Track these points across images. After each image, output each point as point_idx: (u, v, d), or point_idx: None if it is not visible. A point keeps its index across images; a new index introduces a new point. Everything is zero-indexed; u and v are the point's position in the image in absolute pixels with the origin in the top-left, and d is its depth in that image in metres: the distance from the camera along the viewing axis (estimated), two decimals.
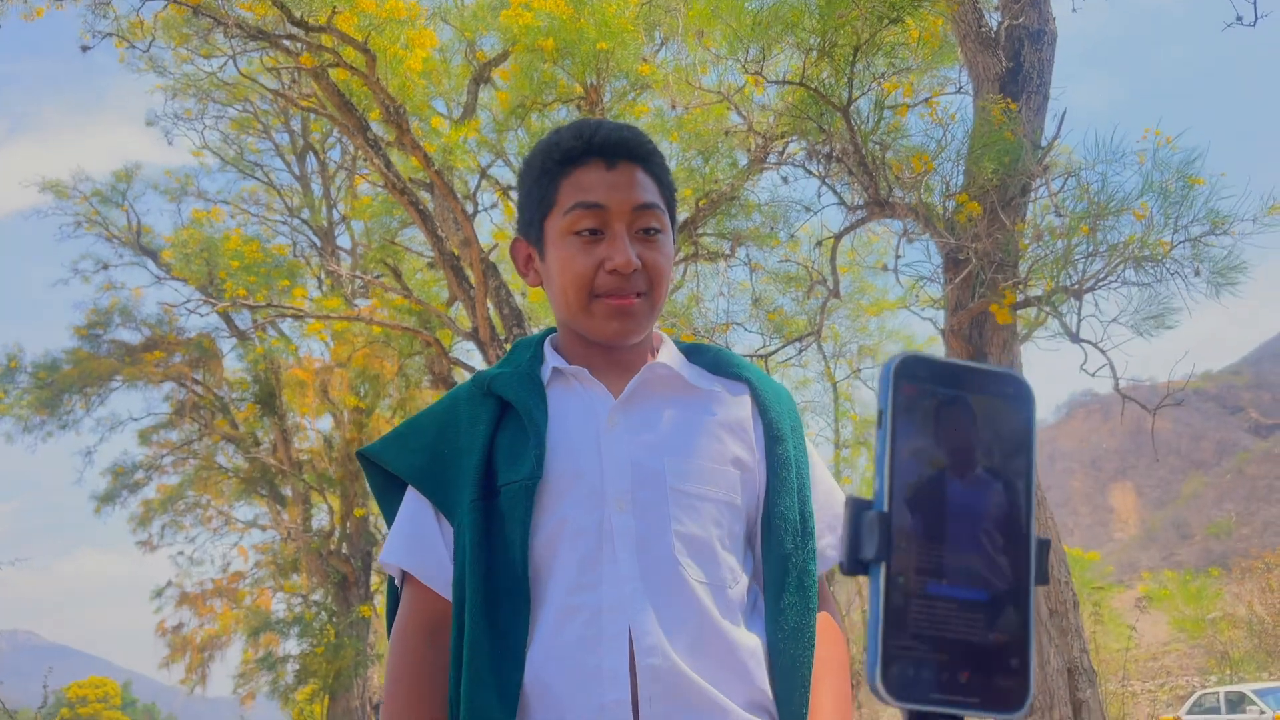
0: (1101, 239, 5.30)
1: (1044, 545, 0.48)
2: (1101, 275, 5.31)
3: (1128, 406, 5.64)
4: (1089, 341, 5.48)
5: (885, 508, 0.46)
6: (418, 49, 7.59)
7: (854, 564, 0.47)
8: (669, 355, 1.32)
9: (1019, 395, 0.49)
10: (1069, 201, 5.51)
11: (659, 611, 1.14)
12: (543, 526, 1.19)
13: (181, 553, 18.48)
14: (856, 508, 0.47)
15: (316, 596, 16.81)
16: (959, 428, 0.48)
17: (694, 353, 1.37)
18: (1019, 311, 5.71)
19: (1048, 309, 5.59)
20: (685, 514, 1.19)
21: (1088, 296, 5.39)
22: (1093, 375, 5.63)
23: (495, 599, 1.16)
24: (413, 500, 1.29)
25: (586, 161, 1.27)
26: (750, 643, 1.19)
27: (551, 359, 1.31)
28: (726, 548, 1.22)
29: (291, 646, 16.86)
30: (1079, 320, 5.46)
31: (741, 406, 1.31)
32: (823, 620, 1.25)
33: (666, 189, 1.32)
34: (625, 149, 1.28)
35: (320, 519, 17.31)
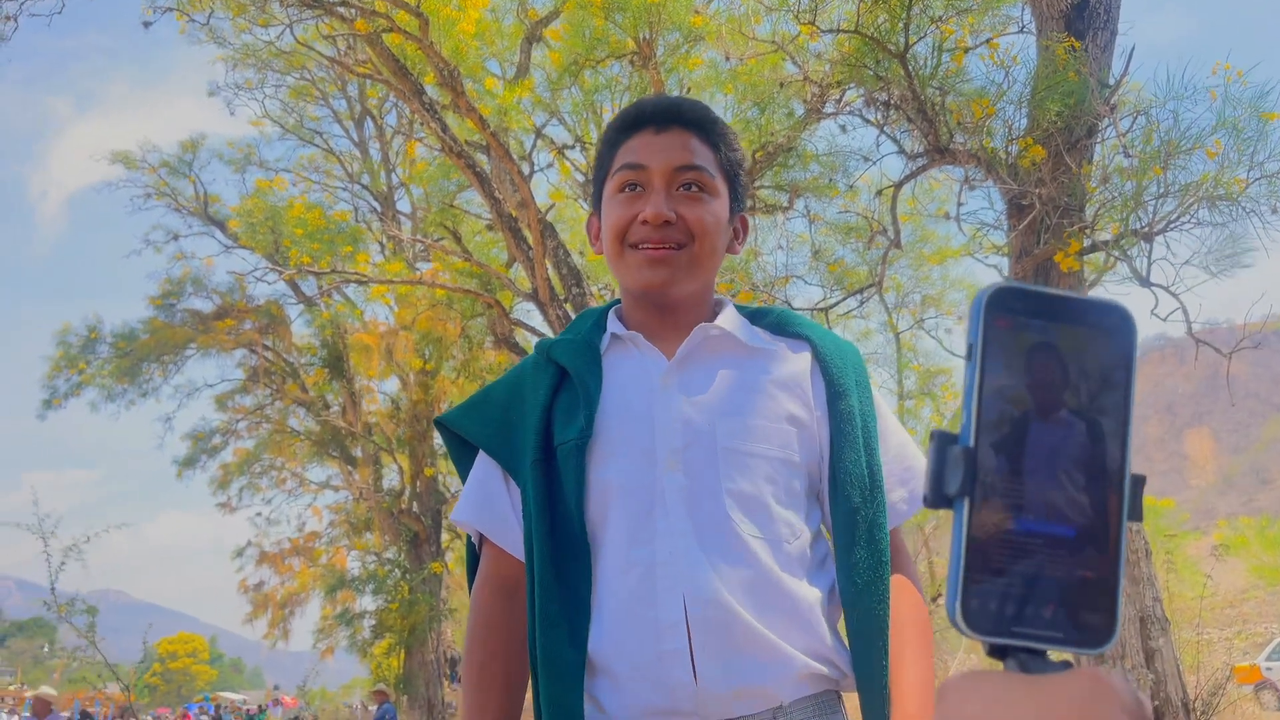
0: (1173, 179, 5.14)
1: (1139, 481, 0.47)
2: (1173, 216, 5.15)
3: (1202, 350, 5.49)
4: (1160, 285, 5.33)
5: (971, 442, 0.45)
6: (470, 10, 7.58)
7: (939, 498, 0.46)
8: (728, 318, 1.34)
9: (1120, 326, 0.47)
10: (1137, 142, 5.33)
11: (714, 565, 1.18)
12: (596, 484, 1.23)
13: (259, 514, 19.16)
14: (942, 441, 0.46)
15: (390, 554, 17.24)
16: (1055, 362, 0.46)
17: (758, 315, 1.40)
18: (1086, 257, 5.57)
19: (1116, 253, 5.44)
20: (737, 471, 1.22)
21: (1158, 239, 5.24)
22: (1164, 320, 5.48)
23: (560, 552, 1.22)
24: (483, 464, 1.35)
25: (640, 129, 1.33)
26: (811, 595, 1.21)
27: (612, 325, 1.36)
28: (783, 504, 1.24)
29: (367, 603, 17.36)
30: (1149, 264, 5.32)
31: (799, 364, 1.33)
32: (900, 582, 1.25)
33: (725, 159, 1.34)
34: (673, 114, 1.33)
35: (390, 479, 17.71)
